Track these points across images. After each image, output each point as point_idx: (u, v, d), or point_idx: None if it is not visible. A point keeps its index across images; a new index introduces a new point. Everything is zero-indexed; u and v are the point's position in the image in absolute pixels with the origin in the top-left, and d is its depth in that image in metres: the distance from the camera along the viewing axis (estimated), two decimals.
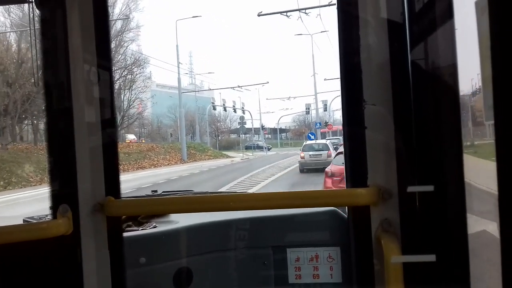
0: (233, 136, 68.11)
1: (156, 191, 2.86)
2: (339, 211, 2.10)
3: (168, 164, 32.42)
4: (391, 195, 1.35)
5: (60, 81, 1.54)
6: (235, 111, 61.11)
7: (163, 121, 65.42)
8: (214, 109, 61.27)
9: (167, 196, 2.51)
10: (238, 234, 2.22)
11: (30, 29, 1.65)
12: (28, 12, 1.66)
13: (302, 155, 23.84)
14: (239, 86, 55.66)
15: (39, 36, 1.57)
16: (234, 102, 61.59)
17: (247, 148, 51.07)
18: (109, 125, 1.58)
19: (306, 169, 22.65)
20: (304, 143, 27.40)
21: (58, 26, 1.53)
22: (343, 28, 1.43)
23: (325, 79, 45.72)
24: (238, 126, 55.76)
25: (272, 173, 23.76)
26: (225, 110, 60.49)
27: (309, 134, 41.87)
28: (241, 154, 43.22)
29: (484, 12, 1.01)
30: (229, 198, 1.72)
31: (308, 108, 58.80)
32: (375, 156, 1.39)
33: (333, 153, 20.38)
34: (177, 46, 43.18)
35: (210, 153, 42.60)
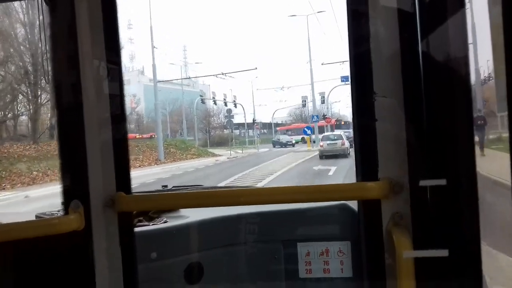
0: (227, 131, 63.62)
1: (166, 186, 2.87)
2: (350, 204, 2.09)
3: (139, 166, 27.13)
4: (402, 188, 1.34)
5: (70, 76, 1.55)
6: (226, 105, 57.36)
7: (154, 116, 64.11)
8: (203, 102, 58.24)
9: (177, 191, 2.52)
10: (249, 229, 2.22)
11: (39, 25, 1.65)
12: (38, 8, 1.66)
13: (321, 143, 30.31)
14: (223, 73, 51.38)
15: (48, 32, 1.57)
16: (225, 95, 58.21)
17: (274, 143, 48.76)
18: (119, 120, 1.58)
19: (325, 155, 27.89)
20: (323, 135, 34.44)
21: (67, 21, 1.53)
22: (353, 19, 1.42)
23: (322, 64, 45.24)
24: (225, 121, 52.14)
25: (256, 178, 18.95)
26: (215, 103, 57.39)
27: (305, 129, 40.71)
28: (230, 152, 39.20)
29: (496, 2, 0.99)
30: (239, 193, 1.72)
31: (305, 101, 55.43)
32: (385, 149, 1.38)
33: (346, 142, 28.37)
34: (151, 27, 41.39)
35: (193, 152, 36.93)
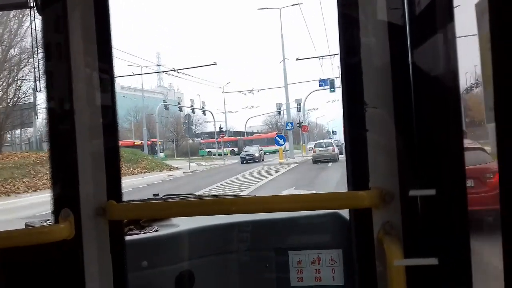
0: (195, 140, 61.16)
1: (157, 194, 2.86)
2: (341, 213, 2.10)
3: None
4: (393, 197, 1.35)
5: (62, 85, 1.55)
6: (193, 111, 53.01)
7: (123, 124, 61.50)
8: (166, 108, 54.18)
9: (168, 200, 2.51)
10: (240, 237, 2.22)
11: (31, 34, 1.65)
12: (30, 17, 1.66)
13: (314, 150, 34.84)
14: (174, 70, 43.97)
15: (40, 41, 1.57)
16: (192, 100, 54.41)
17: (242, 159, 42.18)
18: (110, 129, 1.58)
19: (318, 160, 32.42)
20: (315, 142, 40.06)
21: (59, 30, 1.53)
22: (344, 31, 1.44)
23: (297, 59, 40.28)
24: (183, 128, 47.97)
25: None
26: (180, 110, 53.45)
27: (277, 138, 36.59)
28: (194, 164, 35.43)
29: (484, 14, 1.01)
30: (230, 201, 1.72)
31: (280, 108, 51.57)
32: (376, 159, 1.39)
33: (336, 149, 33.45)
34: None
35: (144, 165, 31.83)
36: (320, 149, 33.85)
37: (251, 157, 39.91)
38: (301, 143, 52.78)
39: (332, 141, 37.15)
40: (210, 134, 55.99)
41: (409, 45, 1.33)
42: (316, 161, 31.96)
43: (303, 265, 2.12)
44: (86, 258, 1.55)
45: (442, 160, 1.28)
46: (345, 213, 2.03)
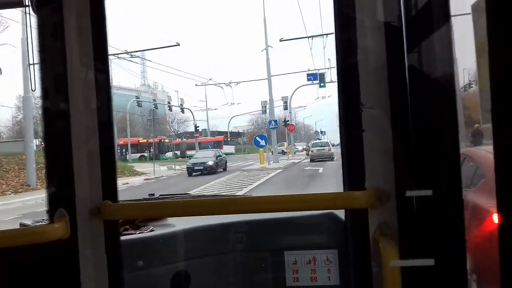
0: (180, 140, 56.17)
1: (153, 194, 2.86)
2: (337, 213, 2.10)
3: None
4: (389, 198, 1.35)
5: (57, 84, 1.54)
6: (170, 109, 50.34)
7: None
8: (139, 105, 50.56)
9: (164, 200, 2.51)
10: (236, 237, 2.22)
11: (26, 33, 1.64)
12: (25, 16, 1.66)
13: (312, 149, 36.83)
14: (127, 52, 33.73)
15: (36, 40, 1.56)
16: (169, 97, 50.02)
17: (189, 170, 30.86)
18: (106, 128, 1.58)
19: (315, 159, 34.10)
20: (312, 142, 43.38)
21: (55, 30, 1.53)
22: (340, 32, 1.44)
23: (281, 40, 34.91)
24: (148, 124, 44.91)
25: None
26: (155, 107, 50.37)
27: (257, 138, 29.49)
28: (164, 168, 32.27)
29: (481, 15, 1.01)
30: (226, 202, 1.72)
31: (265, 106, 44.90)
32: (372, 159, 1.39)
33: (332, 148, 35.03)
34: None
35: None
36: (318, 148, 36.49)
37: (202, 167, 28.93)
38: (285, 143, 48.48)
39: (328, 142, 39.21)
40: (192, 135, 49.65)
41: (405, 46, 1.33)
42: (313, 159, 34.12)
43: (299, 265, 2.12)
44: (81, 258, 1.54)
45: (438, 161, 1.28)
46: (340, 213, 2.03)
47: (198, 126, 46.35)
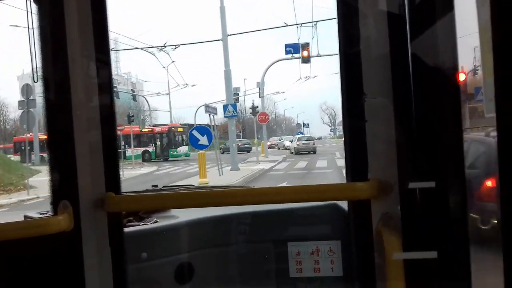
0: None
1: (156, 185, 2.86)
2: (339, 204, 2.10)
3: None
4: (392, 189, 1.35)
5: (59, 76, 1.54)
6: (134, 99, 40.95)
7: None
8: (117, 97, 36.19)
9: (167, 192, 2.51)
10: (239, 229, 2.23)
11: (28, 25, 1.64)
12: (26, 7, 1.65)
13: (297, 142, 37.18)
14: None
15: (37, 32, 1.56)
16: (133, 84, 41.01)
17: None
18: (108, 120, 1.58)
19: (300, 152, 34.71)
20: (298, 136, 40.31)
21: (56, 21, 1.52)
22: (343, 21, 1.42)
23: None
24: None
25: None
26: (134, 99, 41.29)
27: (194, 132, 17.58)
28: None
29: (484, 4, 1.00)
30: (229, 193, 1.72)
31: (237, 94, 31.83)
32: (375, 150, 1.39)
33: (315, 143, 37.77)
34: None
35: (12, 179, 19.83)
36: (303, 142, 38.23)
37: None
38: (255, 139, 37.80)
39: (312, 136, 42.42)
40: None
41: (408, 36, 1.32)
42: (298, 152, 35.40)
43: (302, 256, 2.13)
44: (85, 250, 1.55)
45: (442, 152, 1.27)
46: (343, 204, 2.03)
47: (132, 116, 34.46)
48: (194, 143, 17.98)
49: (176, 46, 28.65)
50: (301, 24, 26.37)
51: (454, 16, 1.21)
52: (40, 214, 2.22)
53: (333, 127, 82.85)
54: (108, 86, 1.57)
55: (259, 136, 41.75)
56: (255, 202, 1.81)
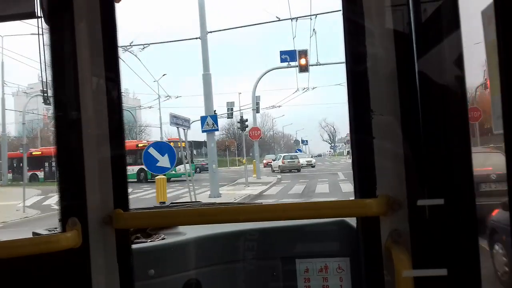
0: None
1: (164, 202, 2.86)
2: (348, 221, 2.09)
3: None
4: (401, 205, 1.34)
5: (69, 94, 1.56)
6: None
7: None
8: (46, 103, 26.96)
9: (175, 208, 2.51)
10: (247, 245, 2.22)
11: (38, 43, 1.67)
12: (37, 27, 1.68)
13: (283, 161, 38.44)
14: None
15: (47, 50, 1.58)
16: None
17: None
18: (117, 137, 1.59)
19: (286, 170, 36.55)
20: (284, 154, 40.98)
21: (66, 40, 1.55)
22: (350, 39, 1.43)
23: None
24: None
25: None
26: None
27: (150, 150, 13.13)
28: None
29: (490, 22, 1.01)
30: (237, 210, 1.72)
31: (231, 109, 32.56)
32: (383, 166, 1.38)
33: (301, 161, 39.03)
34: None
35: None
36: (288, 160, 39.31)
37: None
38: (242, 157, 34.71)
39: (297, 154, 43.22)
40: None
41: (415, 53, 1.33)
42: (284, 170, 36.89)
43: (311, 274, 2.11)
44: (93, 267, 1.55)
45: (450, 169, 1.27)
46: (352, 221, 2.02)
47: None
48: (150, 165, 13.18)
49: (145, 46, 22.83)
50: (296, 18, 22.23)
51: (461, 33, 1.21)
52: (49, 230, 2.23)
53: (333, 144, 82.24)
54: (118, 103, 1.59)
55: (250, 154, 39.27)
56: (263, 218, 1.81)
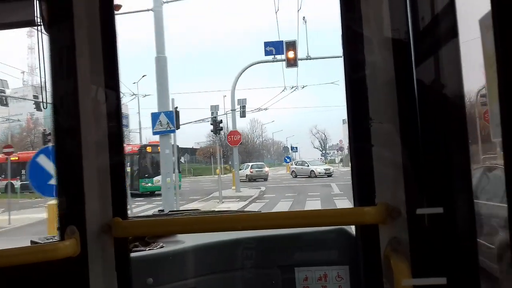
0: None
1: (162, 210, 2.86)
2: (347, 229, 2.09)
3: None
4: (400, 213, 1.34)
5: (68, 101, 1.56)
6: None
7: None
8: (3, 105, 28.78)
9: (174, 217, 2.51)
10: (246, 254, 2.21)
11: (38, 52, 1.67)
12: (37, 35, 1.68)
13: (251, 170, 39.44)
14: None
15: (47, 58, 1.59)
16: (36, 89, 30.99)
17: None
18: (116, 145, 1.59)
19: (253, 179, 38.26)
20: (251, 164, 42.56)
21: (66, 48, 1.55)
22: (348, 47, 1.44)
23: None
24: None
25: None
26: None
27: (35, 160, 7.13)
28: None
29: (488, 30, 1.01)
30: (236, 218, 1.72)
31: (215, 113, 27.80)
32: (382, 174, 1.38)
33: (268, 170, 40.80)
34: None
35: None
36: (256, 169, 40.38)
37: None
38: (219, 165, 28.10)
39: (264, 163, 44.67)
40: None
41: (413, 61, 1.33)
42: (251, 179, 37.88)
43: (310, 282, 2.10)
44: (91, 275, 1.54)
45: (449, 177, 1.27)
46: (351, 229, 2.02)
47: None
48: (37, 183, 7.52)
49: None
50: (284, 40, 19.77)
51: (458, 42, 1.22)
52: (47, 239, 2.22)
53: (324, 152, 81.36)
54: (117, 111, 1.59)
55: (230, 162, 36.58)
56: (262, 227, 1.81)
